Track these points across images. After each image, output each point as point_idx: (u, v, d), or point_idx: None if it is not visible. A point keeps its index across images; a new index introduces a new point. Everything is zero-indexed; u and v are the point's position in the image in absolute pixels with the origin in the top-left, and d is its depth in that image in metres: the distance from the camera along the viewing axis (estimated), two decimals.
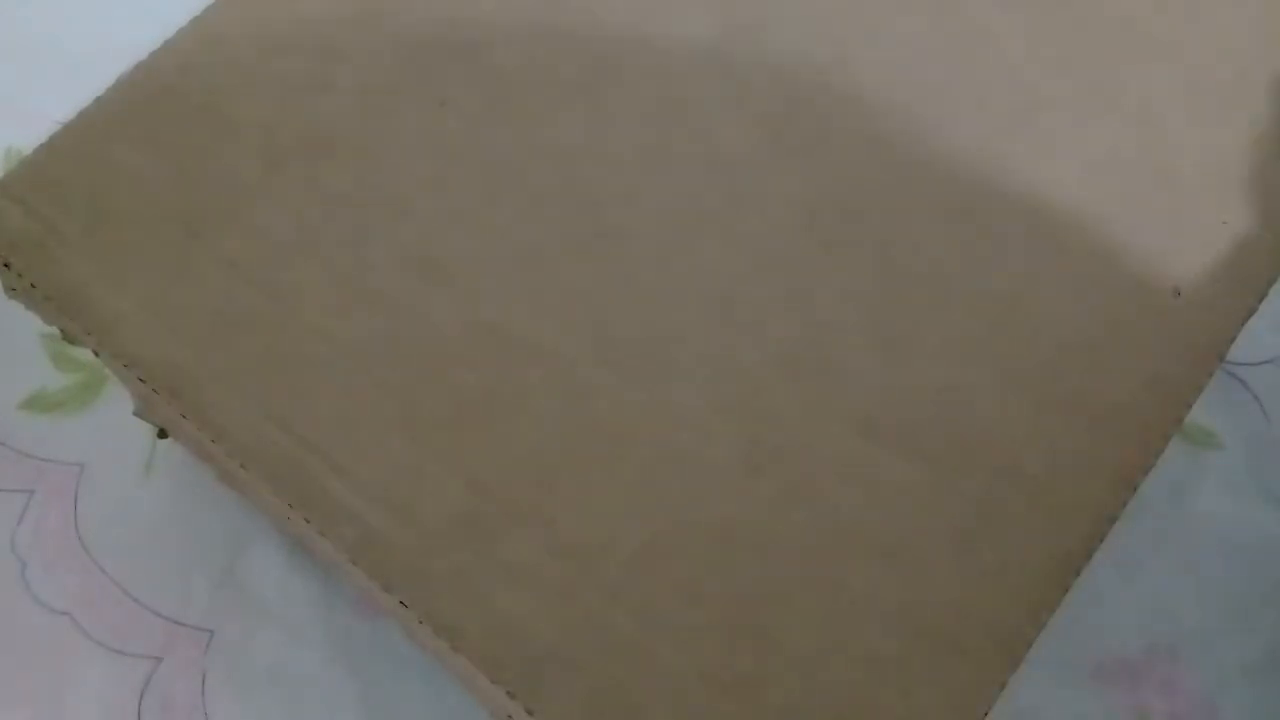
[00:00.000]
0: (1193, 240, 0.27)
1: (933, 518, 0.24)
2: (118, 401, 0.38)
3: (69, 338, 0.29)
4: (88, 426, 0.38)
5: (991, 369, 0.26)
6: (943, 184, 0.28)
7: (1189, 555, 0.36)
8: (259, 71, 0.30)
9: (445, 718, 0.34)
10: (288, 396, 0.26)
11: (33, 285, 0.27)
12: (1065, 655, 0.34)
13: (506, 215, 0.28)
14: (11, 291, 0.28)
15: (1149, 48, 0.30)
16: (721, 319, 0.26)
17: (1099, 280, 0.27)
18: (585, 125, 0.29)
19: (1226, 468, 0.37)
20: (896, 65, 0.30)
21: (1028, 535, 0.24)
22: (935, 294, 0.27)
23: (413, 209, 0.28)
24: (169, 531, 0.36)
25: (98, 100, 0.29)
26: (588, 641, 0.23)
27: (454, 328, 0.26)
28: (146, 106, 0.29)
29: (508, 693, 0.23)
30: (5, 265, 0.27)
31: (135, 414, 0.35)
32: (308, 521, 0.24)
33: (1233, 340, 0.26)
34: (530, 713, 0.23)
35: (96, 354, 0.29)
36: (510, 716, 0.24)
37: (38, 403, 0.39)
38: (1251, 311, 0.27)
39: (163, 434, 0.37)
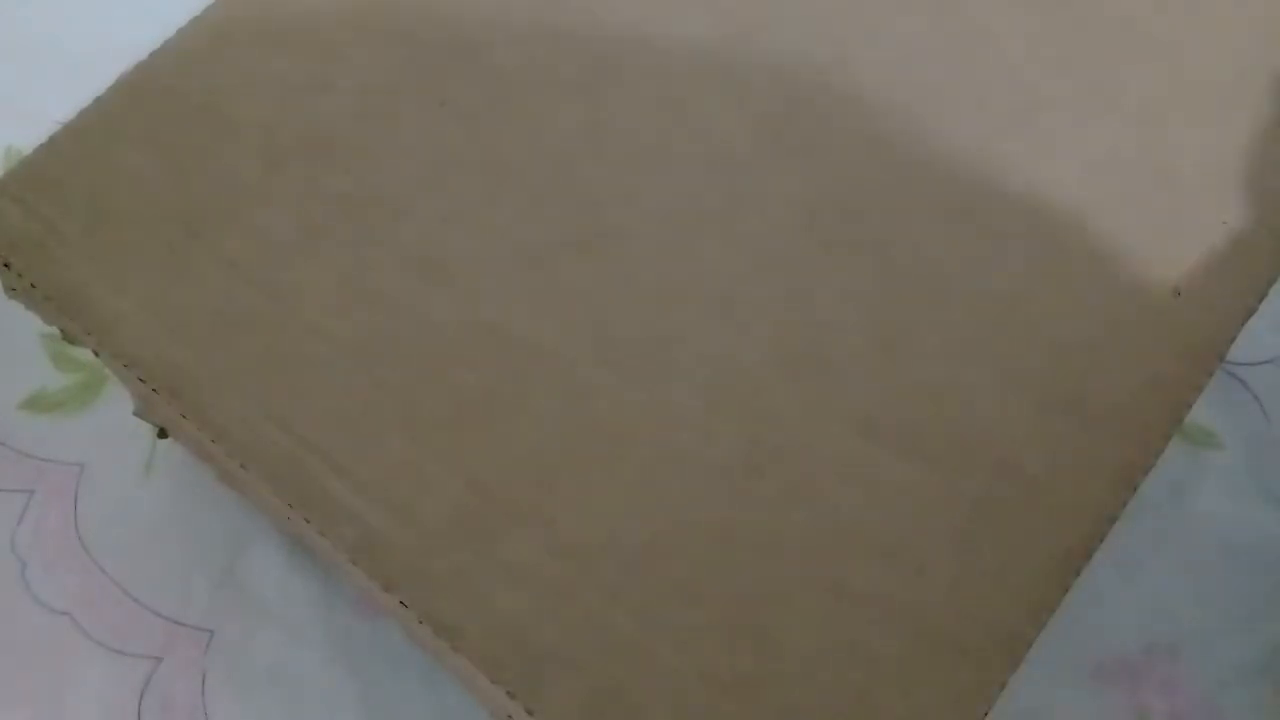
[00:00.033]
0: (1193, 240, 0.27)
1: (933, 518, 0.24)
2: (118, 401, 0.38)
3: (69, 338, 0.29)
4: (88, 426, 0.38)
5: (991, 369, 0.26)
6: (943, 184, 0.28)
7: (1189, 555, 0.36)
8: (259, 71, 0.30)
9: (445, 718, 0.34)
10: (288, 396, 0.26)
11: (33, 285, 0.27)
12: (1065, 655, 0.34)
13: (506, 215, 0.28)
14: (11, 291, 0.28)
15: (1149, 48, 0.30)
16: (721, 319, 0.26)
17: (1099, 280, 0.27)
18: (585, 125, 0.29)
19: (1226, 468, 0.37)
20: (896, 65, 0.30)
21: (1028, 535, 0.24)
22: (935, 294, 0.27)
23: (413, 209, 0.28)
24: (169, 531, 0.36)
25: (98, 100, 0.29)
26: (588, 641, 0.23)
27: (454, 328, 0.26)
28: (146, 106, 0.29)
29: (508, 693, 0.23)
30: (5, 265, 0.27)
31: (135, 414, 0.35)
32: (308, 521, 0.24)
33: (1233, 340, 0.26)
34: (530, 713, 0.23)
35: (96, 354, 0.29)
36: (510, 716, 0.24)
37: (38, 403, 0.39)
38: (1251, 311, 0.27)
39: (163, 434, 0.37)
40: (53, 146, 0.29)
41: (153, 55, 0.30)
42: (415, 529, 0.24)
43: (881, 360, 0.26)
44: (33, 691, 0.34)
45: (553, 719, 0.22)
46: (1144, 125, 0.29)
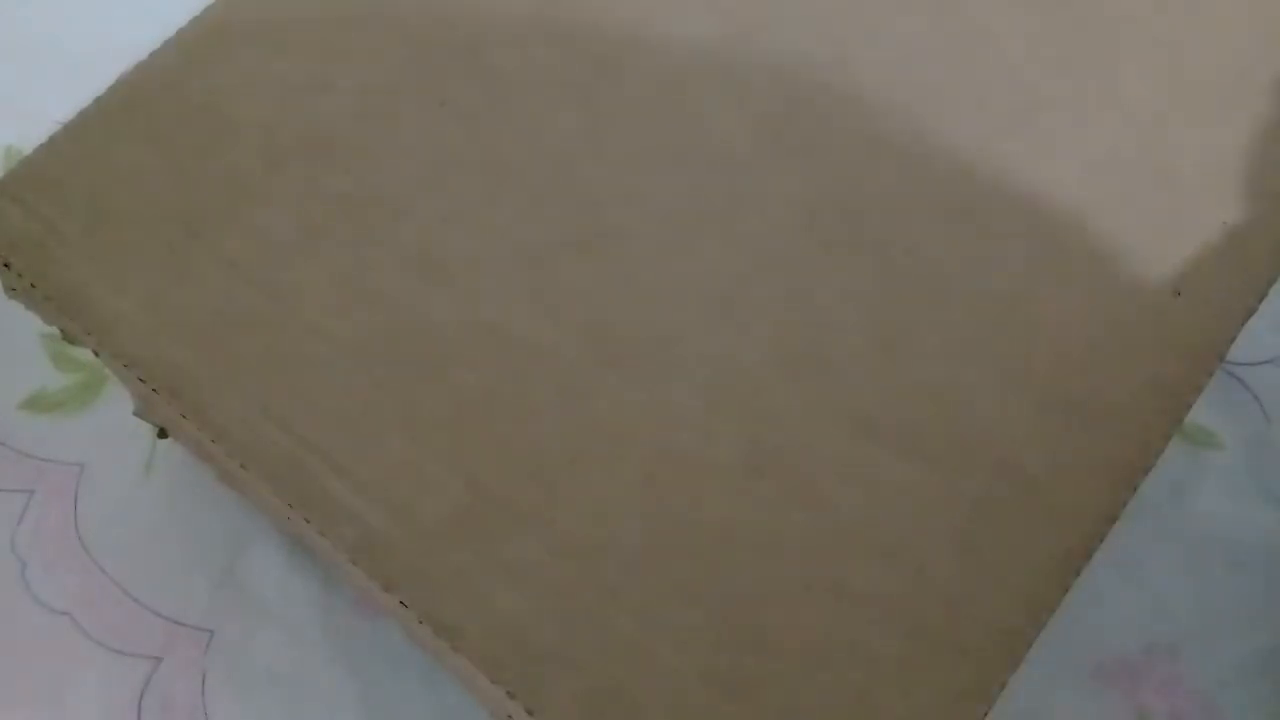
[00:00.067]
0: (1193, 240, 0.27)
1: (933, 518, 0.24)
2: (118, 401, 0.38)
3: (69, 338, 0.29)
4: (88, 426, 0.38)
5: (991, 369, 0.26)
6: (943, 184, 0.28)
7: (1189, 555, 0.36)
8: (259, 71, 0.30)
9: (445, 718, 0.34)
10: (288, 396, 0.26)
11: (33, 285, 0.27)
12: (1065, 655, 0.34)
13: (506, 215, 0.28)
14: (11, 291, 0.28)
15: (1149, 48, 0.30)
16: (721, 319, 0.26)
17: (1099, 280, 0.27)
18: (585, 125, 0.29)
19: (1226, 468, 0.37)
20: (896, 65, 0.30)
21: (1028, 535, 0.24)
22: (935, 294, 0.27)
23: (413, 209, 0.28)
24: (169, 531, 0.36)
25: (98, 100, 0.29)
26: (588, 641, 0.23)
27: (454, 328, 0.26)
28: (146, 106, 0.29)
29: (508, 693, 0.23)
30: (5, 265, 0.27)
31: (135, 414, 0.35)
32: (308, 521, 0.24)
33: (1233, 340, 0.26)
34: (530, 713, 0.23)
35: (96, 354, 0.29)
36: (510, 716, 0.24)
37: (38, 403, 0.39)
38: (1251, 311, 0.27)
39: (163, 434, 0.37)
40: (53, 146, 0.29)
41: (153, 55, 0.30)
42: (415, 529, 0.24)
43: (881, 360, 0.26)
44: (33, 691, 0.34)
45: (553, 719, 0.22)
46: (1144, 125, 0.29)
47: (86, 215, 0.28)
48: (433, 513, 0.24)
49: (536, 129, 0.29)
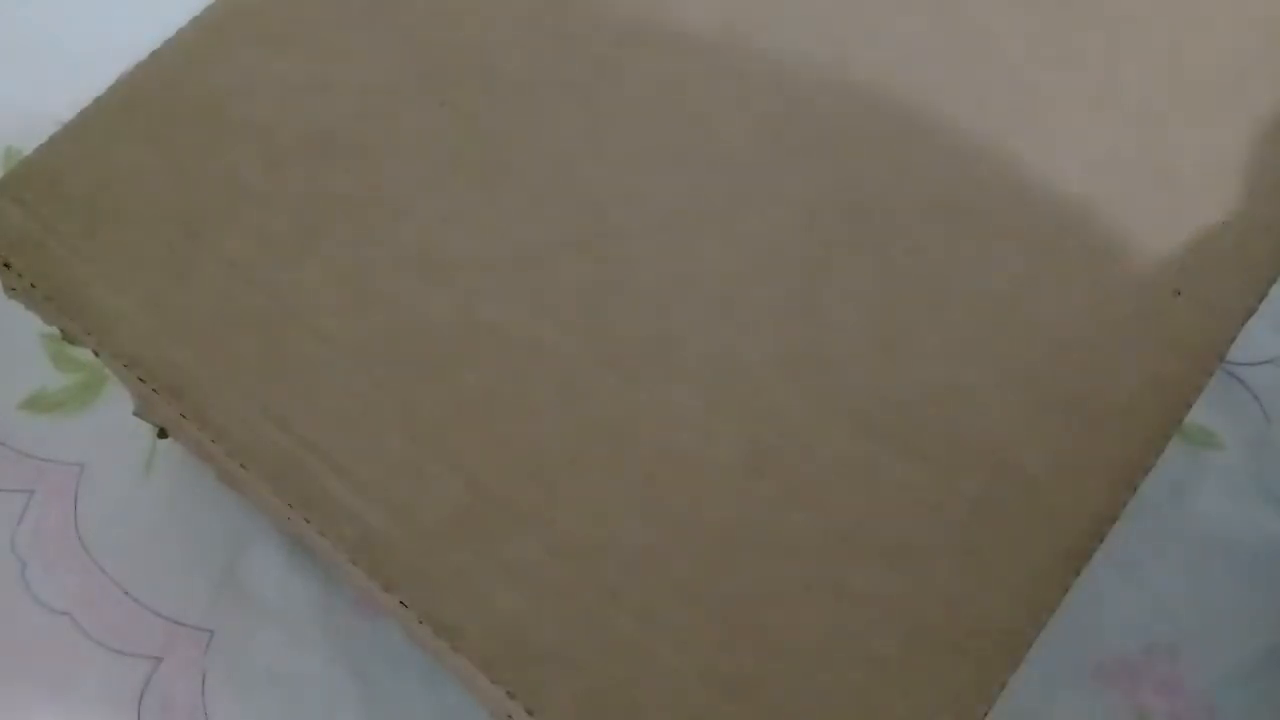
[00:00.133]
0: (1193, 240, 0.27)
1: (933, 518, 0.24)
2: (118, 401, 0.38)
3: (69, 338, 0.29)
4: (88, 426, 0.38)
5: (991, 369, 0.26)
6: (943, 184, 0.28)
7: (1189, 555, 0.36)
8: (259, 71, 0.30)
9: (445, 718, 0.34)
10: (288, 396, 0.26)
11: (33, 285, 0.27)
12: (1065, 655, 0.34)
13: (506, 215, 0.28)
14: (11, 291, 0.28)
15: (1149, 48, 0.30)
16: (722, 319, 0.26)
17: (1099, 280, 0.27)
18: (585, 125, 0.29)
19: (1226, 468, 0.37)
20: (896, 65, 0.30)
21: (1028, 535, 0.24)
22: (935, 294, 0.27)
23: (413, 209, 0.28)
24: (169, 531, 0.36)
25: (98, 100, 0.29)
26: (588, 641, 0.23)
27: (454, 328, 0.26)
28: (146, 106, 0.29)
29: (508, 693, 0.23)
30: (5, 265, 0.27)
31: (135, 414, 0.35)
32: (308, 521, 0.24)
33: (1233, 340, 0.26)
34: (530, 713, 0.23)
35: (96, 354, 0.29)
36: (510, 716, 0.24)
37: (38, 403, 0.39)
38: (1251, 311, 0.27)
39: (163, 434, 0.37)
40: (53, 146, 0.29)
41: (153, 55, 0.30)
42: (415, 529, 0.24)
43: (881, 360, 0.26)
44: (33, 691, 0.34)
45: (553, 719, 0.22)
46: (1144, 125, 0.29)
47: (86, 215, 0.28)
48: (433, 513, 0.24)
49: (536, 129, 0.29)
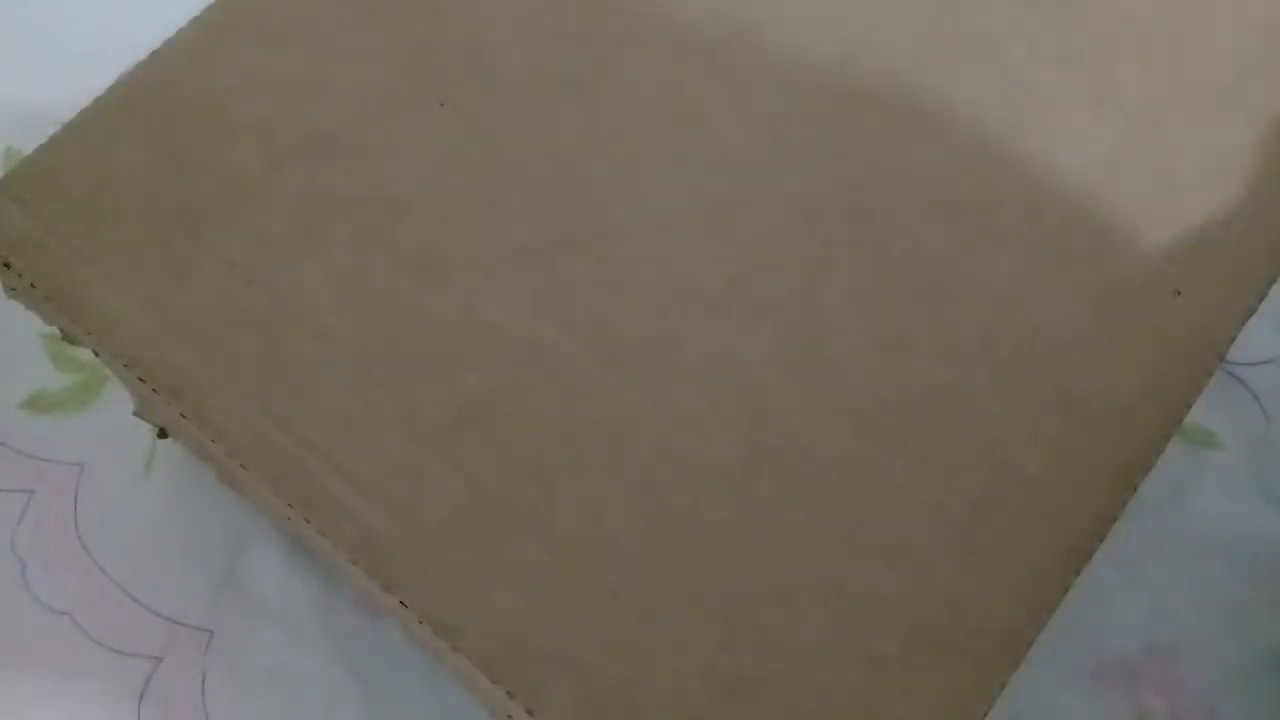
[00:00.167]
0: (1193, 240, 0.27)
1: (933, 518, 0.24)
2: (118, 401, 0.38)
3: (69, 338, 0.29)
4: (88, 426, 0.38)
5: (991, 369, 0.26)
6: (943, 184, 0.28)
7: (1189, 555, 0.36)
8: (259, 71, 0.30)
9: (445, 718, 0.34)
10: (288, 396, 0.26)
11: (33, 285, 0.27)
12: (1065, 655, 0.34)
13: (506, 215, 0.28)
14: (11, 291, 0.28)
15: (1149, 48, 0.30)
16: (722, 319, 0.26)
17: (1099, 280, 0.27)
18: (585, 125, 0.29)
19: (1226, 468, 0.37)
20: (896, 65, 0.30)
21: (1028, 535, 0.24)
22: (935, 294, 0.27)
23: (413, 209, 0.28)
24: (169, 531, 0.36)
25: (98, 100, 0.29)
26: (588, 641, 0.23)
27: (454, 328, 0.26)
28: (146, 106, 0.29)
29: (508, 693, 0.23)
30: (5, 265, 0.27)
31: (135, 414, 0.35)
32: (308, 521, 0.24)
33: (1233, 340, 0.26)
34: (530, 713, 0.23)
35: (96, 354, 0.29)
36: (510, 716, 0.24)
37: (38, 403, 0.39)
38: (1251, 311, 0.27)
39: (163, 434, 0.37)
40: (53, 146, 0.29)
41: (153, 55, 0.30)
42: (415, 529, 0.24)
43: (881, 360, 0.26)
44: (33, 691, 0.34)
45: (553, 719, 0.22)
46: (1144, 125, 0.29)
47: (86, 215, 0.28)
48: (433, 513, 0.24)
49: (536, 129, 0.29)
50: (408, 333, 0.26)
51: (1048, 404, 0.25)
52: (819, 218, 0.28)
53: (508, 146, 0.29)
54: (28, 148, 0.42)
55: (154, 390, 0.26)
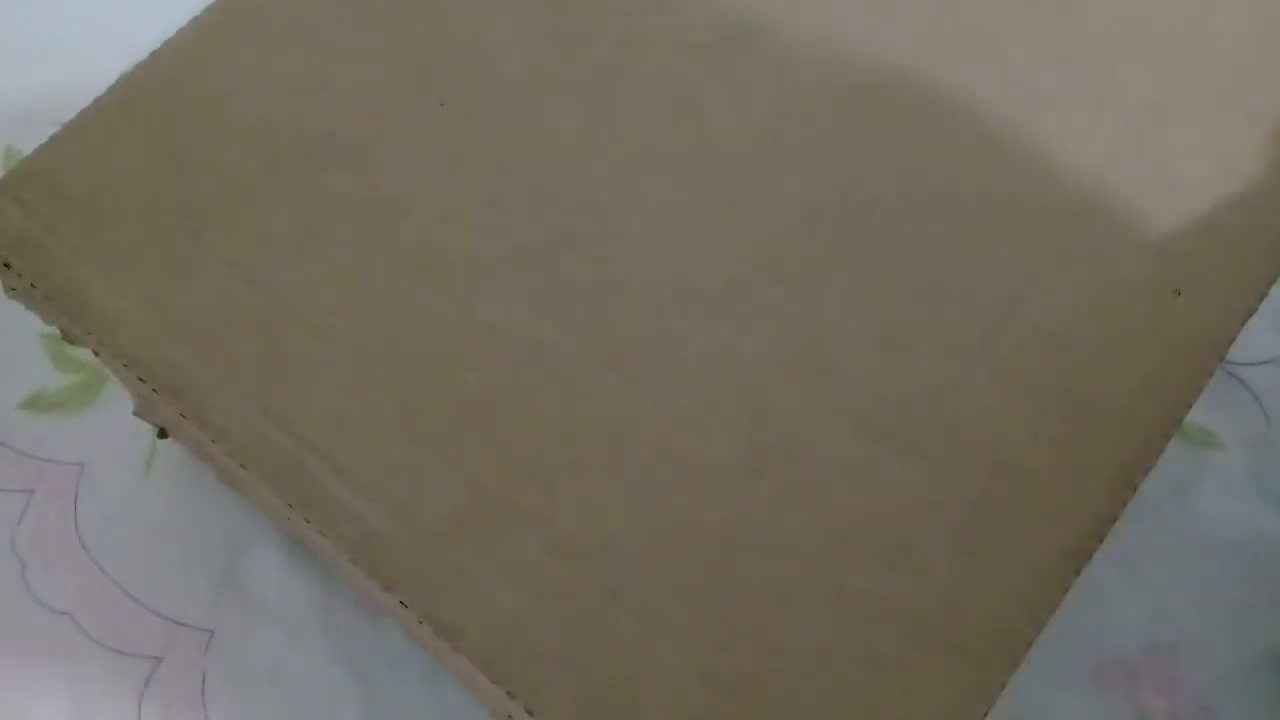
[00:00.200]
0: (1193, 240, 0.27)
1: (933, 518, 0.24)
2: (118, 401, 0.38)
3: (69, 338, 0.29)
4: (88, 426, 0.38)
5: (991, 369, 0.26)
6: (943, 184, 0.28)
7: (1189, 555, 0.36)
8: (259, 71, 0.30)
9: (445, 718, 0.34)
10: (288, 396, 0.26)
11: (33, 285, 0.27)
12: (1065, 655, 0.34)
13: (506, 215, 0.28)
14: (11, 291, 0.28)
15: (1149, 48, 0.30)
16: (722, 319, 0.26)
17: (1099, 280, 0.27)
18: (585, 125, 0.29)
19: (1226, 468, 0.37)
20: (896, 65, 0.30)
21: (1028, 535, 0.24)
22: (935, 294, 0.27)
23: (413, 209, 0.28)
24: (169, 531, 0.36)
25: (98, 100, 0.29)
26: (588, 641, 0.23)
27: (454, 328, 0.26)
28: (146, 106, 0.29)
29: (508, 693, 0.23)
30: (5, 265, 0.27)
31: (135, 414, 0.35)
32: (308, 521, 0.24)
33: (1233, 340, 0.26)
34: (530, 713, 0.23)
35: (96, 354, 0.29)
36: (510, 716, 0.24)
37: (38, 403, 0.39)
38: (1251, 311, 0.27)
39: (163, 434, 0.37)
40: (53, 146, 0.29)
41: (153, 55, 0.30)
42: (415, 529, 0.24)
43: (881, 360, 0.26)
44: (33, 692, 0.34)
45: (553, 719, 0.22)
46: (1144, 125, 0.29)
47: (86, 215, 0.28)
48: (433, 513, 0.24)
49: (536, 129, 0.29)
50: (408, 333, 0.26)
51: (1048, 404, 0.25)
52: (819, 218, 0.28)
53: (508, 146, 0.29)
54: (28, 148, 0.42)
55: (154, 390, 0.26)
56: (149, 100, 0.29)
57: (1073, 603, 0.24)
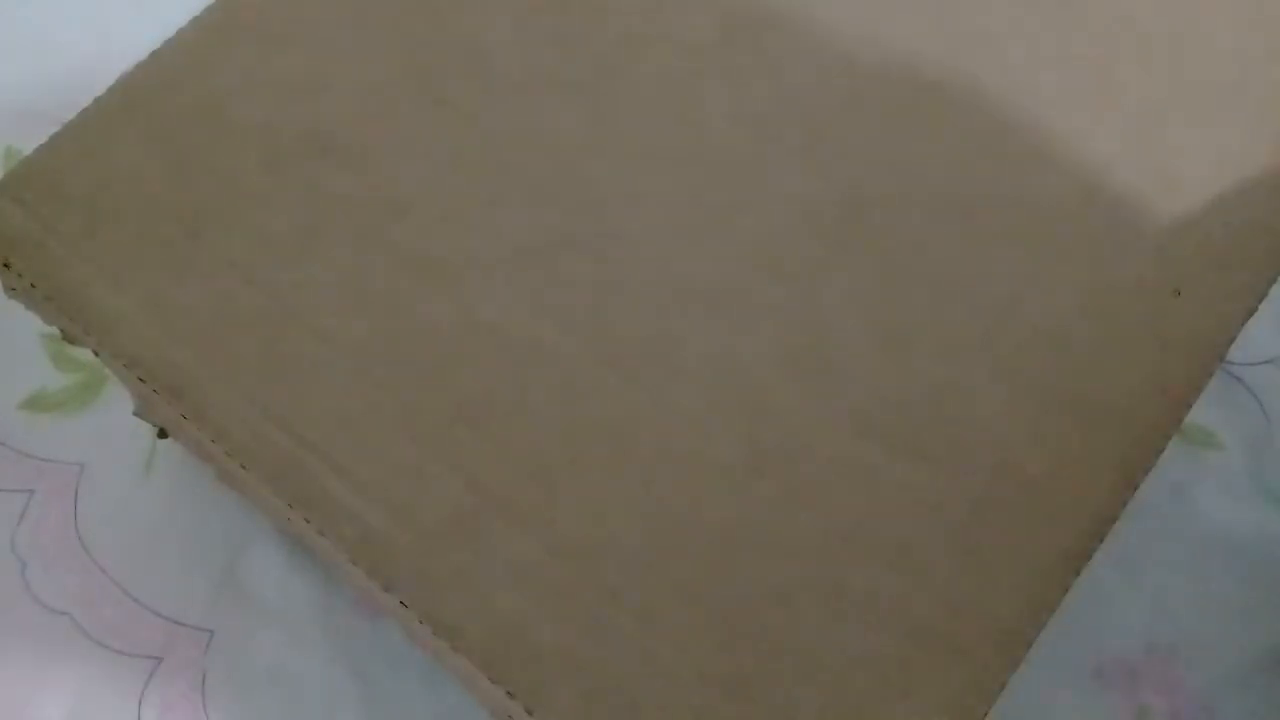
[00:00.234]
0: (1193, 240, 0.27)
1: (933, 518, 0.24)
2: (118, 401, 0.38)
3: (69, 338, 0.29)
4: (88, 426, 0.38)
5: (991, 368, 0.26)
6: (943, 184, 0.28)
7: (1189, 555, 0.36)
8: (259, 71, 0.30)
9: (445, 718, 0.34)
10: (288, 396, 0.26)
11: (33, 285, 0.27)
12: (1065, 655, 0.34)
13: (506, 215, 0.28)
14: (11, 291, 0.28)
15: (1149, 48, 0.30)
16: (722, 319, 0.26)
17: (1099, 280, 0.27)
18: (585, 125, 0.29)
19: (1226, 468, 0.37)
20: (896, 65, 0.30)
21: (1028, 535, 0.24)
22: (935, 294, 0.27)
23: (413, 209, 0.28)
24: (169, 531, 0.36)
25: (98, 100, 0.29)
26: (588, 641, 0.23)
27: (454, 328, 0.26)
28: (146, 106, 0.29)
29: (508, 693, 0.23)
30: (5, 265, 0.27)
31: (135, 414, 0.35)
32: (308, 521, 0.24)
33: (1233, 340, 0.26)
34: (530, 712, 0.23)
35: (96, 354, 0.29)
36: (510, 716, 0.24)
37: (38, 403, 0.39)
38: (1251, 311, 0.27)
39: (163, 434, 0.37)
40: (53, 146, 0.29)
41: (153, 55, 0.30)
42: (415, 529, 0.24)
43: (881, 360, 0.26)
44: (33, 692, 0.34)
45: (553, 719, 0.22)
46: (1144, 125, 0.29)
47: (86, 215, 0.28)
48: (433, 513, 0.24)
49: (536, 129, 0.29)
50: (407, 332, 0.26)
51: (1048, 404, 0.25)
52: (819, 218, 0.28)
53: (507, 146, 0.29)
54: (28, 148, 0.42)
55: (154, 390, 0.26)
56: (149, 100, 0.29)
57: (1073, 603, 0.24)
